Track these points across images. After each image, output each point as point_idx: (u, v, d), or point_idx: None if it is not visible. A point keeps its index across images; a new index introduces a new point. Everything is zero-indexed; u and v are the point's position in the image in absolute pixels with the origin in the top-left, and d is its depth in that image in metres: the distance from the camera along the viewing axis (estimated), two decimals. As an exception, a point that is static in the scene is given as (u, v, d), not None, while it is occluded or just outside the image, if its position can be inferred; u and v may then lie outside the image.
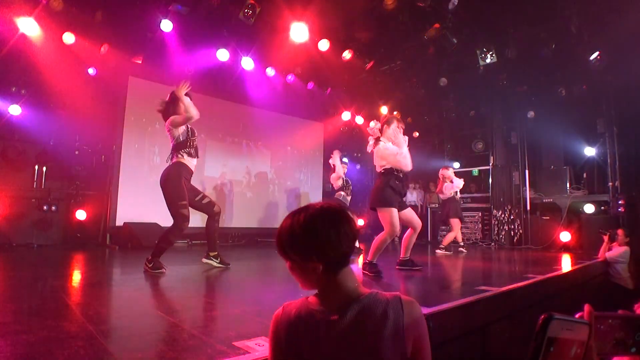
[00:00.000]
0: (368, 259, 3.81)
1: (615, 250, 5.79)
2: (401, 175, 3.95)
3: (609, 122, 7.79)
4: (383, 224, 3.82)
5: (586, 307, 0.71)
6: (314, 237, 1.01)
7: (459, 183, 6.99)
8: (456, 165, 9.81)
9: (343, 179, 6.71)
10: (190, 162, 3.98)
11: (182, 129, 3.94)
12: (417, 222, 4.06)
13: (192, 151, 3.97)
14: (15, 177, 6.62)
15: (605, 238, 6.04)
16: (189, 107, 3.80)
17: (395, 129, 4.00)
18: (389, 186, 3.83)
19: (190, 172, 4.00)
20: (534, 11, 6.25)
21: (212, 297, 2.99)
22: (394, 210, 3.77)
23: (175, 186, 3.81)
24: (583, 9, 6.07)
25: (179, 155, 3.91)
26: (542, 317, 0.61)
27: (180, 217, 3.77)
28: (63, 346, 1.55)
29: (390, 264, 4.44)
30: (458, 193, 7.09)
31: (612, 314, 0.75)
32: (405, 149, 3.91)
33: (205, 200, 4.12)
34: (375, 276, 3.68)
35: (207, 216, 4.19)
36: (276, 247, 1.07)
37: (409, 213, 4.04)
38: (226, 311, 2.36)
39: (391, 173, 3.92)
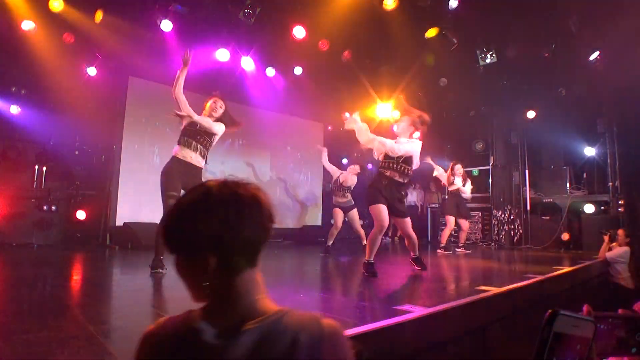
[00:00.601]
0: (365, 258, 3.83)
1: (616, 250, 5.80)
2: (387, 173, 3.94)
3: (609, 122, 7.80)
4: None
5: (585, 308, 0.71)
6: (207, 216, 0.76)
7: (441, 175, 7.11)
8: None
9: (334, 179, 6.69)
10: (185, 153, 3.88)
11: (187, 118, 3.94)
12: (409, 233, 4.06)
13: (184, 139, 3.90)
14: (15, 177, 6.62)
15: (606, 238, 6.05)
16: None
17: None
18: (372, 187, 3.96)
19: (189, 166, 3.89)
20: (534, 11, 6.25)
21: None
22: (379, 206, 3.80)
23: (163, 177, 3.83)
24: (583, 9, 6.07)
25: (177, 144, 3.94)
26: (549, 312, 0.62)
27: (165, 208, 3.80)
28: (63, 346, 1.55)
29: (392, 265, 4.44)
30: (457, 187, 7.03)
31: (612, 314, 0.75)
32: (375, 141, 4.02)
33: None
34: (370, 275, 3.69)
35: None
36: (161, 238, 0.84)
37: (403, 223, 4.03)
38: (226, 311, 2.35)
39: (378, 175, 4.03)
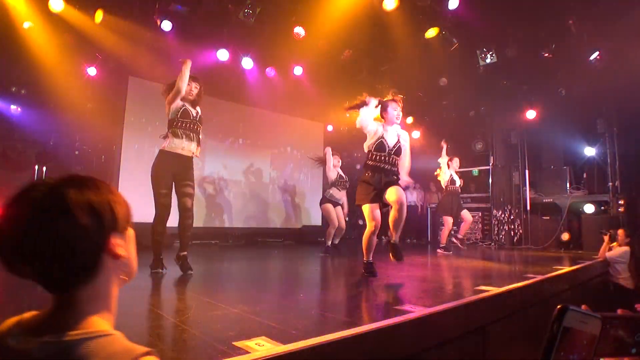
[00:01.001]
0: (364, 259, 3.79)
1: (616, 250, 5.79)
2: (380, 166, 3.77)
3: (608, 122, 7.80)
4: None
5: (583, 308, 0.71)
6: (13, 223, 0.67)
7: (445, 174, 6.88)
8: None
9: (338, 173, 6.50)
10: (176, 145, 3.80)
11: (175, 106, 3.83)
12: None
13: (182, 132, 3.81)
14: (15, 177, 6.61)
15: (606, 238, 6.05)
16: (180, 78, 3.76)
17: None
18: (362, 182, 3.80)
19: (180, 158, 3.83)
20: (534, 11, 6.25)
21: (212, 297, 2.99)
22: (370, 206, 3.67)
23: (155, 174, 3.79)
24: (583, 8, 6.07)
25: (166, 136, 3.84)
26: (559, 307, 0.62)
27: (158, 207, 3.74)
28: (63, 346, 1.55)
29: (392, 265, 4.43)
30: (454, 183, 6.90)
31: (611, 314, 0.75)
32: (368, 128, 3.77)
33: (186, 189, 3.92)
34: (369, 275, 3.66)
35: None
36: None
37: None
38: (226, 311, 2.36)
39: (365, 166, 3.84)
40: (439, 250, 6.77)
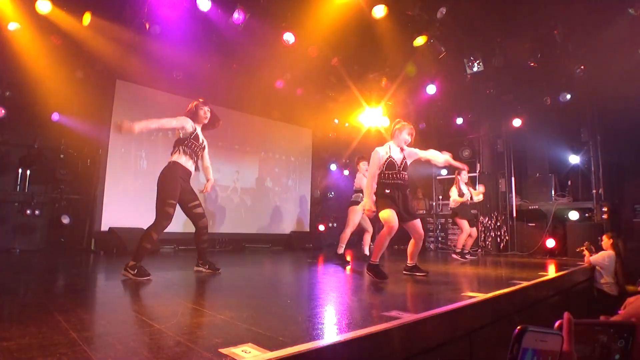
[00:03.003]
0: (372, 260, 3.96)
1: (600, 254, 5.86)
2: (394, 182, 4.08)
3: (592, 131, 7.95)
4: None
5: (566, 315, 0.72)
6: None
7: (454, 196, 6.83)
8: (443, 172, 9.84)
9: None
10: (185, 161, 3.94)
11: (188, 129, 3.99)
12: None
13: (190, 151, 3.96)
14: (-2, 180, 6.51)
15: (586, 252, 6.14)
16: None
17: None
18: (383, 196, 4.08)
19: (187, 172, 3.98)
20: (520, 21, 6.37)
21: (198, 303, 2.96)
22: (388, 210, 3.94)
23: (168, 184, 3.79)
24: (568, 20, 6.20)
25: (176, 151, 3.95)
26: (517, 329, 0.63)
27: (161, 214, 3.71)
28: (45, 353, 1.52)
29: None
30: (461, 195, 6.85)
31: (595, 320, 0.76)
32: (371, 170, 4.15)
33: (197, 210, 4.08)
34: (380, 279, 3.84)
35: (190, 222, 4.22)
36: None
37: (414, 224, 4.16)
38: (212, 317, 2.34)
39: (381, 184, 4.12)
40: (453, 255, 6.75)
